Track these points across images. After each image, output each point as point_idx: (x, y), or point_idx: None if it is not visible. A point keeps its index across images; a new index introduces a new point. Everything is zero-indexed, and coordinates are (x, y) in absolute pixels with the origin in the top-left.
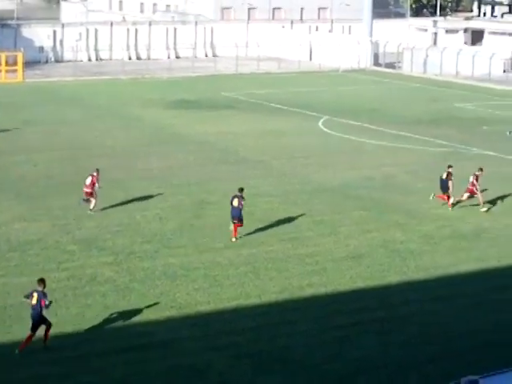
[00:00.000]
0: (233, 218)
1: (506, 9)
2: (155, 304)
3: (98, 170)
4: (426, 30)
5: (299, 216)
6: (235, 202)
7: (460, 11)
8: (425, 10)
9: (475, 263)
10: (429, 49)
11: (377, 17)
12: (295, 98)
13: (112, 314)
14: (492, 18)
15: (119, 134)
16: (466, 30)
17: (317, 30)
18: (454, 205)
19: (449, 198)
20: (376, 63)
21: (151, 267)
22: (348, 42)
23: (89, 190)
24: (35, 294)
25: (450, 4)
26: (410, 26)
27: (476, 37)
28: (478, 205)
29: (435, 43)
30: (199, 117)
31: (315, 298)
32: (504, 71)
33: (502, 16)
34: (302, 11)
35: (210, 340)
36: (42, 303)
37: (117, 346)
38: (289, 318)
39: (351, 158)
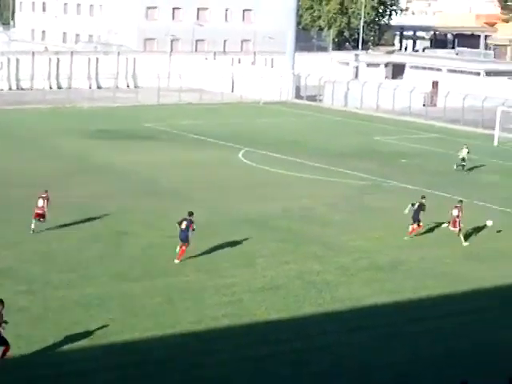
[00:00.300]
0: (181, 240)
1: (428, 43)
2: (69, 333)
3: (46, 191)
4: (347, 64)
5: (217, 247)
6: (183, 225)
7: (382, 45)
8: (347, 43)
9: (391, 295)
10: (350, 82)
11: (299, 50)
12: (216, 129)
13: (24, 344)
14: (413, 52)
15: (39, 163)
16: (387, 64)
17: (239, 62)
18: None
19: (419, 227)
20: (298, 96)
21: (66, 296)
22: (270, 75)
23: (41, 212)
24: None
25: (372, 38)
26: (332, 59)
27: (397, 71)
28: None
29: (357, 77)
30: (120, 147)
31: (231, 329)
32: (424, 105)
33: (423, 50)
34: (225, 43)
35: (124, 370)
36: None
37: (26, 375)
38: (203, 348)
39: (271, 189)
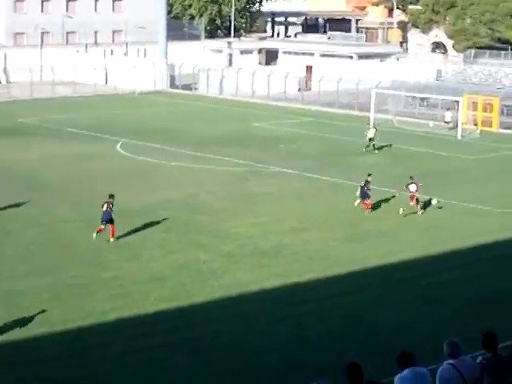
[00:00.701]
0: (102, 221)
1: (300, 28)
2: None
3: None
4: (221, 52)
5: (101, 240)
6: (105, 207)
7: (254, 32)
8: (219, 31)
9: (277, 279)
10: (224, 70)
11: (172, 39)
12: (92, 122)
13: None
14: (285, 37)
15: None
16: (260, 51)
17: (112, 53)
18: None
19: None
20: (172, 85)
21: None
22: (143, 65)
23: None
24: None
25: (243, 25)
26: (205, 47)
27: (270, 57)
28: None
29: (230, 64)
30: None
31: (121, 322)
32: (299, 90)
33: (295, 36)
34: (96, 35)
35: (15, 370)
36: None
37: None
38: (94, 342)
39: (151, 180)
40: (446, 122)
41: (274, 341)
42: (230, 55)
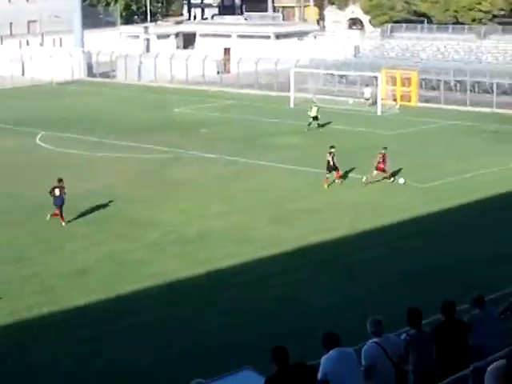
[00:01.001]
0: (56, 205)
1: (216, 10)
2: None
3: None
4: (137, 37)
5: (22, 235)
6: (57, 192)
7: (170, 16)
8: (135, 17)
9: (203, 265)
10: (142, 55)
11: (88, 27)
12: (10, 114)
13: None
14: (202, 20)
15: None
16: (177, 35)
17: (28, 44)
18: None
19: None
20: (90, 74)
21: None
22: (60, 54)
23: None
24: None
25: (159, 9)
26: (122, 33)
27: (188, 40)
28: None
29: (148, 50)
30: None
31: (46, 317)
32: (218, 72)
33: (212, 18)
34: (11, 26)
35: None
36: None
37: None
38: (22, 339)
39: (72, 171)
40: (365, 99)
41: (208, 326)
42: (148, 40)
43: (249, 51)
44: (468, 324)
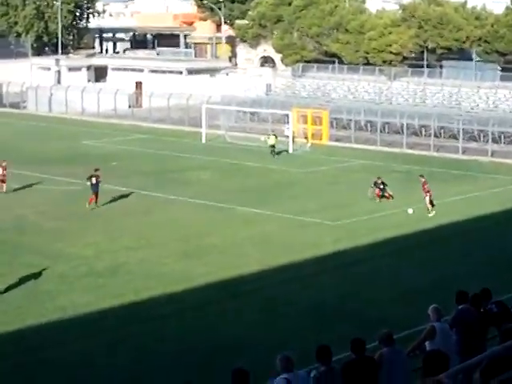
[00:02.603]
0: (93, 192)
1: (128, 44)
2: None
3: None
4: (49, 69)
5: None
6: (94, 180)
7: (82, 48)
8: (47, 48)
9: (113, 299)
10: (53, 87)
11: None
12: None
13: None
14: (114, 54)
15: None
16: (89, 68)
17: None
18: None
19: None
20: (0, 104)
21: None
22: None
23: None
24: None
25: (71, 42)
26: (33, 65)
27: (100, 73)
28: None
29: (59, 82)
30: None
31: None
32: (129, 106)
33: (124, 52)
34: None
35: None
36: None
37: None
38: None
39: None
40: (285, 136)
41: (119, 359)
42: (59, 72)
43: (161, 86)
44: (378, 362)
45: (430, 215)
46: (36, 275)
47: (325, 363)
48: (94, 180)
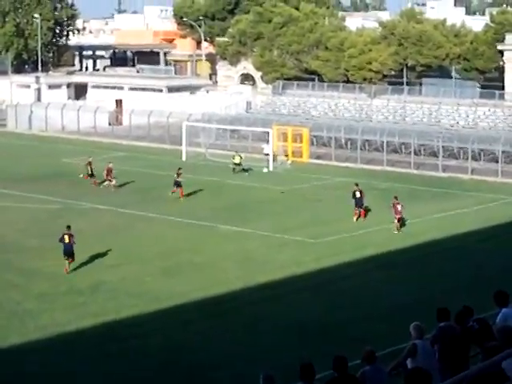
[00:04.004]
0: (64, 254)
1: (108, 62)
2: None
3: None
4: (28, 87)
5: None
6: (66, 239)
7: (62, 66)
8: (26, 66)
9: (94, 318)
10: (33, 105)
11: None
12: None
13: None
14: (94, 71)
15: None
16: (69, 85)
17: None
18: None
19: (365, 212)
20: None
21: None
22: None
23: None
24: None
25: (51, 59)
26: (13, 82)
27: (80, 91)
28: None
29: (39, 99)
30: None
31: None
32: (109, 124)
33: (104, 69)
34: None
35: None
36: None
37: None
38: None
39: None
40: (265, 154)
41: (100, 378)
42: (39, 90)
43: (141, 103)
44: (360, 380)
45: (395, 232)
46: (17, 294)
47: (307, 382)
48: (66, 238)
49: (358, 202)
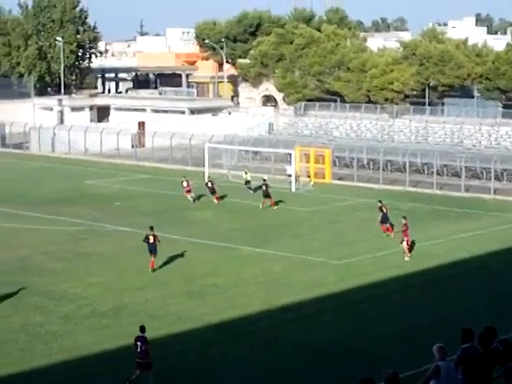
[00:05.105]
0: (150, 251)
1: (130, 84)
2: None
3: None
4: (51, 109)
5: None
6: (151, 239)
7: (84, 88)
8: (49, 88)
9: (117, 340)
10: (56, 127)
11: (1, 98)
12: None
13: None
14: (116, 94)
15: None
16: (91, 107)
17: None
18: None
19: (392, 228)
20: (3, 144)
21: None
22: None
23: None
24: None
25: (74, 82)
26: (36, 105)
27: (102, 113)
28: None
29: (62, 122)
30: None
31: None
32: (132, 146)
33: (126, 92)
34: None
35: None
36: None
37: None
38: None
39: None
40: (288, 175)
41: None
42: (61, 112)
43: (163, 125)
44: None
45: (406, 259)
46: (40, 316)
47: None
48: (151, 238)
49: (384, 219)
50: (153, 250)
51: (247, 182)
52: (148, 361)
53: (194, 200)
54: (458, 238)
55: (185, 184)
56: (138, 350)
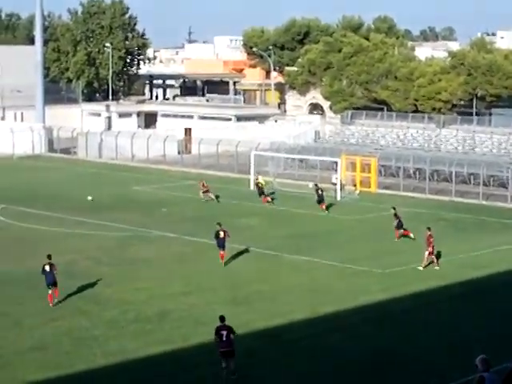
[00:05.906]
0: (218, 247)
1: (178, 91)
2: None
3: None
4: (99, 115)
5: None
6: (222, 234)
7: (132, 94)
8: (97, 94)
9: (161, 345)
10: (103, 133)
11: (49, 102)
12: None
13: None
14: (164, 100)
15: None
16: (139, 114)
17: None
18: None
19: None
20: (51, 149)
21: None
22: (21, 129)
23: None
24: None
25: (121, 88)
26: (84, 110)
27: (150, 120)
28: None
29: (109, 127)
30: None
31: None
32: (178, 152)
33: (173, 98)
34: None
35: None
36: None
37: None
38: None
39: (32, 246)
40: (332, 184)
41: None
42: (109, 118)
43: (210, 132)
44: None
45: (436, 268)
46: (85, 320)
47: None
48: (222, 233)
49: (399, 225)
50: (221, 245)
51: (261, 187)
52: (232, 349)
53: (216, 197)
54: (504, 249)
55: (201, 185)
56: (224, 339)
